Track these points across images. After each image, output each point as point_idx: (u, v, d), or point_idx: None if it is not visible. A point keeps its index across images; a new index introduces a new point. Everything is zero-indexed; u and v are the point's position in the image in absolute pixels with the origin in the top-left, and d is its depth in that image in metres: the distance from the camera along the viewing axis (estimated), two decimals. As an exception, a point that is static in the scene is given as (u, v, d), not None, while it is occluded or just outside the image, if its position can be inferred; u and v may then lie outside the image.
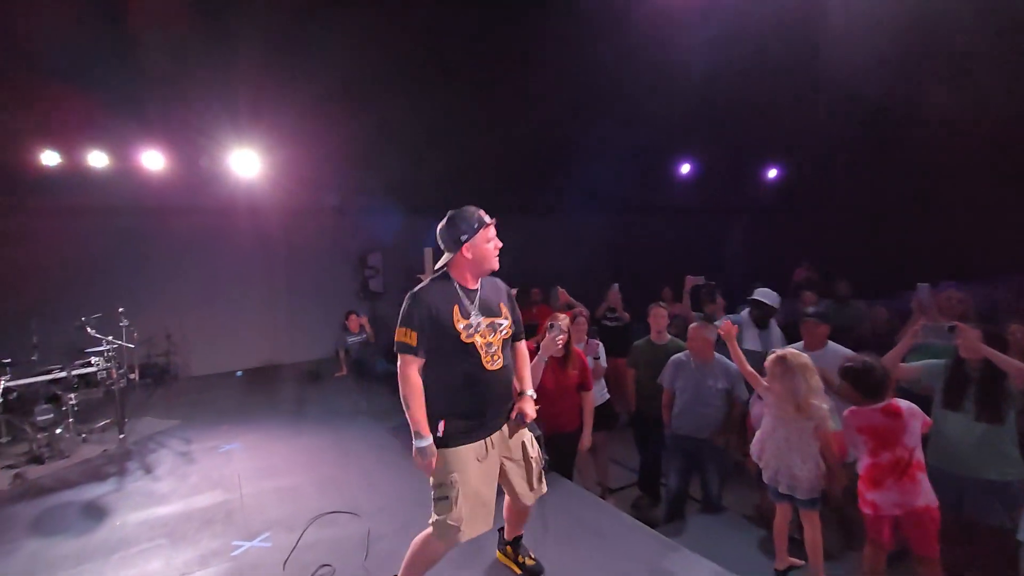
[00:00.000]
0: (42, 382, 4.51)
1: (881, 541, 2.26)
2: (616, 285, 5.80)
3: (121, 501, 3.54)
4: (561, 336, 3.04)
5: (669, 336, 4.21)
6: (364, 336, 6.99)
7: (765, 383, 2.51)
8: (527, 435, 2.26)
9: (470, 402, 2.09)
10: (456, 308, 2.06)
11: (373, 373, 6.73)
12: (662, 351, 4.01)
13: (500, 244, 2.17)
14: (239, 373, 7.43)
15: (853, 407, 2.26)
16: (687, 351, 3.67)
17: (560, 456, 3.62)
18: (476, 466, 2.08)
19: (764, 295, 4.13)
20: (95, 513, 3.38)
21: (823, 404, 2.40)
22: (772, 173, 11.16)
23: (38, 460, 4.18)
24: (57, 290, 5.95)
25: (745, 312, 4.28)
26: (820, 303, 4.98)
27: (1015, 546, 2.44)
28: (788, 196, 11.31)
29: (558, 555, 2.59)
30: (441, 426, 2.04)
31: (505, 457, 2.21)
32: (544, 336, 3.12)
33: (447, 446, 2.05)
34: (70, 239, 6.45)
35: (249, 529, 3.09)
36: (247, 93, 5.59)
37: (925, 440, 2.52)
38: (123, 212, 6.64)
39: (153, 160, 6.12)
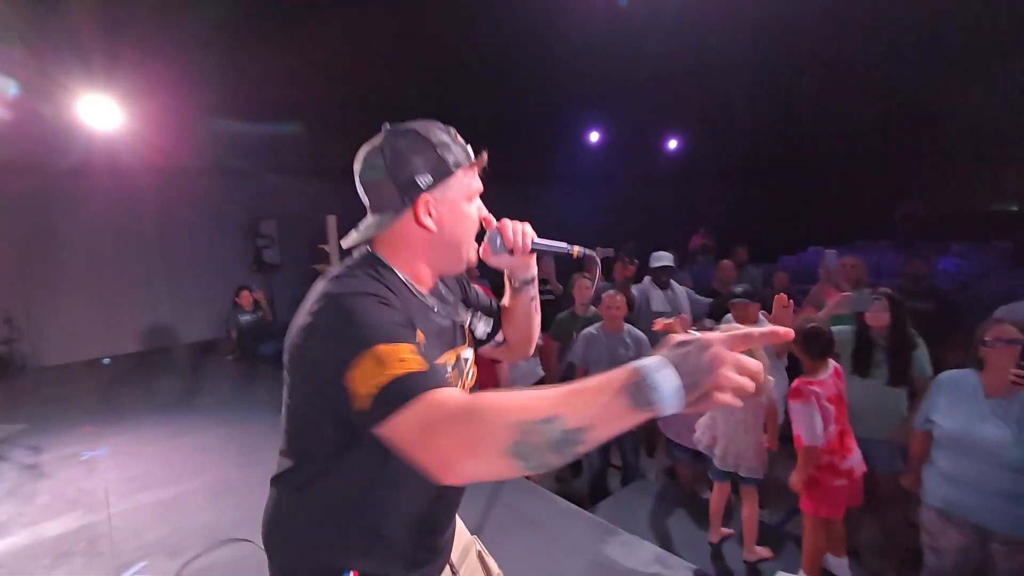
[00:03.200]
0: None
1: (856, 504, 2.31)
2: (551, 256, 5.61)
3: (-61, 537, 2.82)
4: None
5: (593, 309, 4.11)
6: (260, 314, 6.28)
7: None
8: (477, 545, 1.33)
9: (421, 526, 1.04)
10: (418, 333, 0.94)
11: (267, 356, 6.09)
12: (585, 324, 3.92)
13: (487, 214, 1.10)
14: (106, 361, 6.41)
15: (809, 380, 2.24)
16: (597, 324, 3.62)
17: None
18: None
19: (662, 258, 4.36)
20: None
21: (772, 380, 2.37)
22: (672, 143, 11.55)
23: None
24: None
25: (647, 279, 4.45)
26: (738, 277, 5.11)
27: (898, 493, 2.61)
28: (687, 166, 11.78)
29: (496, 549, 2.38)
30: None
31: None
32: None
33: None
34: None
35: (119, 559, 2.56)
36: (100, 27, 4.56)
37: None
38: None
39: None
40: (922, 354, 2.81)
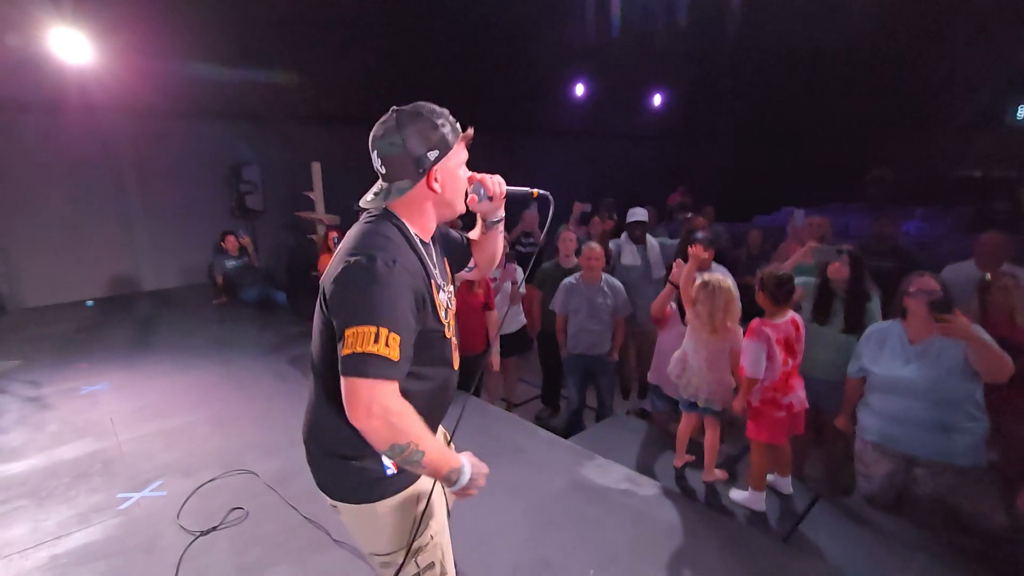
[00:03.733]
0: None
1: (798, 433, 2.63)
2: (535, 206, 5.74)
3: (-44, 460, 2.98)
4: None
5: (576, 259, 4.32)
6: (245, 259, 6.33)
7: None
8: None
9: (437, 417, 1.38)
10: (432, 281, 1.26)
11: (252, 301, 6.19)
12: (569, 274, 4.13)
13: (471, 173, 1.37)
14: (90, 303, 6.42)
15: (766, 321, 2.50)
16: (577, 274, 3.86)
17: (467, 376, 3.74)
18: (442, 502, 1.43)
19: (637, 214, 4.58)
20: (-78, 477, 2.82)
21: (738, 328, 2.63)
22: (657, 100, 11.56)
23: None
24: None
25: (624, 235, 4.68)
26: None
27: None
28: (670, 124, 11.83)
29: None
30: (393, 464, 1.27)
31: None
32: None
33: (407, 487, 1.29)
34: None
35: (136, 479, 2.78)
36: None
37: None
38: None
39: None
40: (875, 306, 3.11)
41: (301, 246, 7.15)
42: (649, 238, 4.60)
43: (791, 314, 2.58)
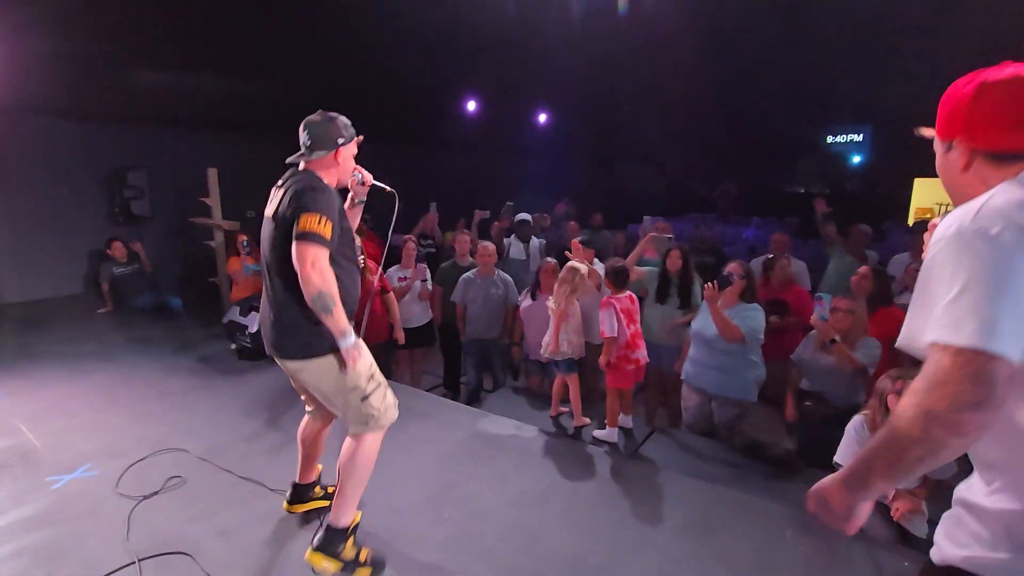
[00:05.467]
0: None
1: (640, 381, 3.49)
2: (433, 205, 6.33)
3: None
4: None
5: (471, 259, 4.98)
6: (136, 266, 6.19)
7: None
8: None
9: (355, 299, 2.17)
10: (343, 209, 2.14)
11: (146, 307, 6.08)
12: (465, 271, 4.78)
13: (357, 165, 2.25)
14: (-54, 316, 5.87)
15: (613, 296, 3.34)
16: (474, 270, 4.54)
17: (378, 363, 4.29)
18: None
19: (523, 217, 5.67)
20: None
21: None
22: (542, 117, 12.71)
23: None
24: None
25: (512, 236, 5.66)
26: (582, 231, 6.32)
27: (678, 380, 3.91)
28: (555, 141, 13.01)
29: (399, 433, 3.21)
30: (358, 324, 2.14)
31: None
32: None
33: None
34: None
35: (62, 465, 2.92)
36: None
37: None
38: None
39: None
40: (697, 288, 4.12)
41: (197, 253, 7.07)
42: (534, 238, 5.46)
43: (628, 292, 3.44)
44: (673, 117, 12.04)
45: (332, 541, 2.09)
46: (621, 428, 3.49)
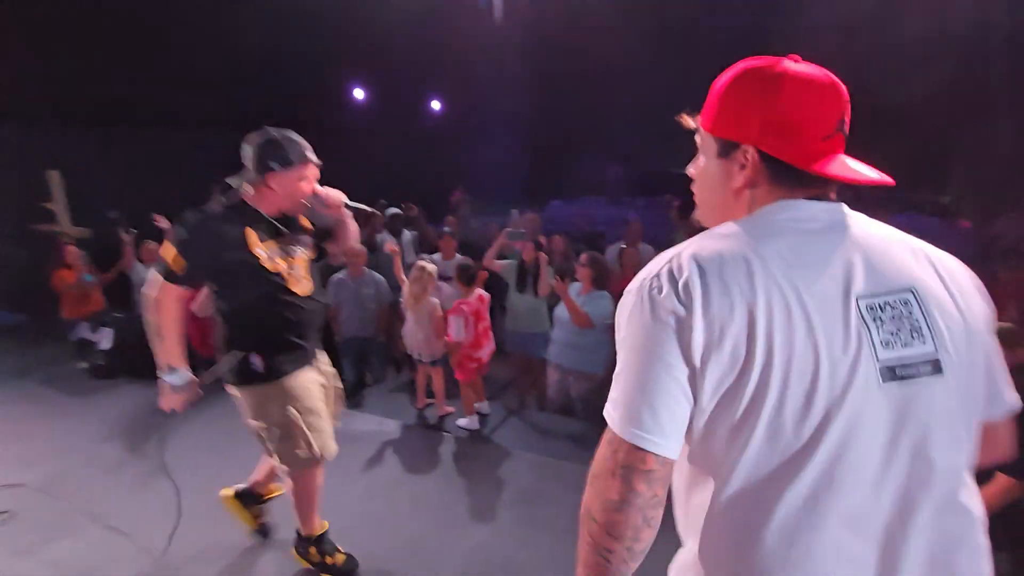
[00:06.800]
0: None
1: (485, 373, 3.73)
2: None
3: None
4: None
5: (342, 259, 5.00)
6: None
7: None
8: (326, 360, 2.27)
9: (288, 330, 1.99)
10: (250, 232, 1.89)
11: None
12: (336, 271, 4.79)
13: (315, 187, 2.00)
14: None
15: (464, 300, 3.54)
16: (345, 271, 4.60)
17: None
18: (319, 389, 2.11)
19: (392, 211, 5.67)
20: None
21: (436, 299, 3.62)
22: (436, 105, 12.66)
23: None
24: None
25: (384, 230, 5.65)
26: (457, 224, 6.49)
27: (544, 366, 4.23)
28: (447, 126, 13.00)
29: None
30: (258, 361, 1.92)
31: (323, 385, 2.21)
32: None
33: (277, 378, 1.95)
34: None
35: None
36: None
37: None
38: None
39: None
40: (549, 277, 4.42)
41: (39, 263, 6.43)
42: (404, 231, 5.57)
43: (478, 292, 3.67)
44: (565, 103, 12.44)
45: (302, 544, 2.30)
46: (479, 414, 3.75)
